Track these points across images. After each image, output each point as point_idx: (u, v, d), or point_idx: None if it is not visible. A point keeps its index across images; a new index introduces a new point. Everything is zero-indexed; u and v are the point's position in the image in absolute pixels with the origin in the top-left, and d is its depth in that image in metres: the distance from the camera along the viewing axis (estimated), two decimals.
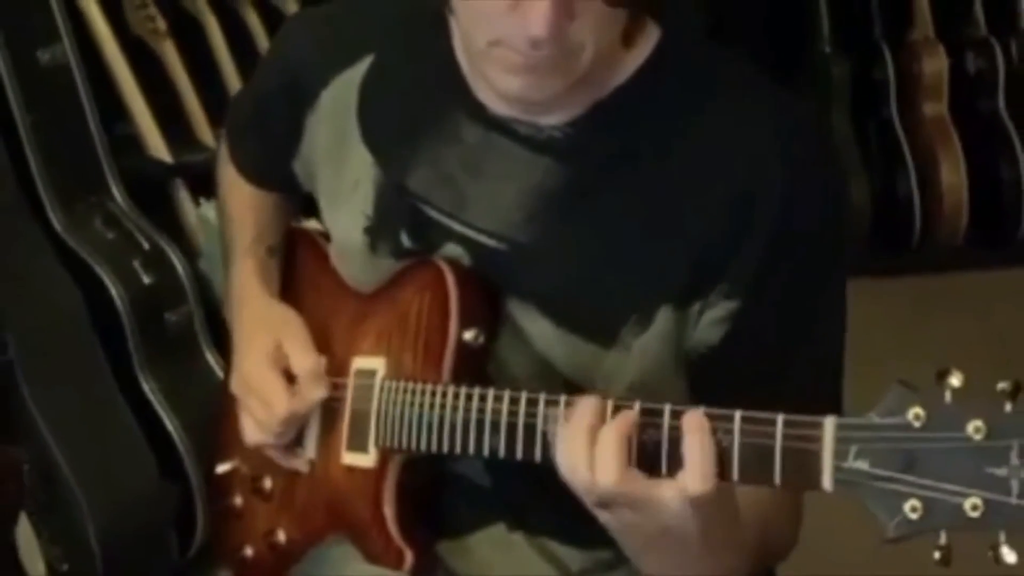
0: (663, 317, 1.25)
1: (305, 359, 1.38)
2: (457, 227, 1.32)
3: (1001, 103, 4.12)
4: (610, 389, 1.25)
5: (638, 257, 1.25)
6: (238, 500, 1.53)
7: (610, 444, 1.08)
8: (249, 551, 1.51)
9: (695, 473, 1.06)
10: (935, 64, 4.10)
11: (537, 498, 1.34)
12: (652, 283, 1.24)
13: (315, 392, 1.37)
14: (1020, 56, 4.11)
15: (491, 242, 1.30)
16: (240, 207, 1.59)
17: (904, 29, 4.14)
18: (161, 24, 3.00)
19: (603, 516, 1.13)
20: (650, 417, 1.10)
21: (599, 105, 1.26)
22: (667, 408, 1.09)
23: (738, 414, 1.06)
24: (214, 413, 1.60)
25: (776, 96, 1.29)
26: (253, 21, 3.19)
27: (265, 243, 1.55)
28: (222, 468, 1.54)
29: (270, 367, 1.39)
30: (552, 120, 1.27)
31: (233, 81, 3.11)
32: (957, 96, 4.13)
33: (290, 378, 1.39)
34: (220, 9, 3.15)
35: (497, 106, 1.29)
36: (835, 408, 1.23)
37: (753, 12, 4.17)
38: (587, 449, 1.09)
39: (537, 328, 1.28)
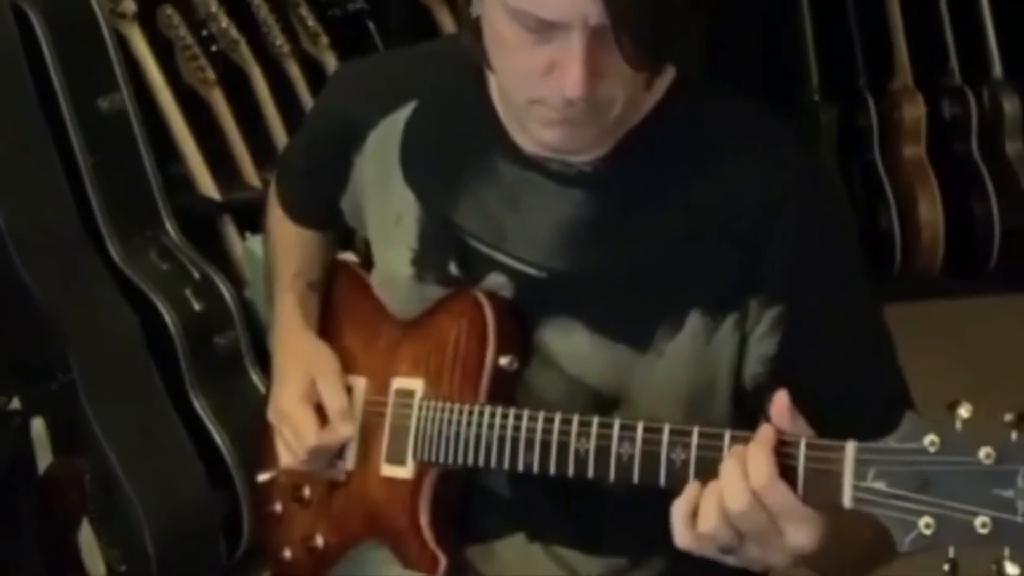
0: (693, 320, 1.24)
1: (336, 400, 1.40)
2: (500, 257, 1.32)
3: (974, 146, 4.10)
4: (642, 395, 1.26)
5: (666, 270, 1.25)
6: (279, 507, 1.53)
7: (761, 454, 1.04)
8: (288, 553, 1.51)
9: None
10: (914, 111, 4.09)
11: (554, 509, 1.33)
12: (680, 290, 1.25)
13: (343, 431, 1.39)
14: (991, 103, 4.10)
15: (531, 271, 1.30)
16: (284, 245, 1.59)
17: (886, 79, 4.13)
18: (210, 74, 3.01)
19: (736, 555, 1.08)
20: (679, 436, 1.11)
21: (623, 141, 1.27)
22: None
23: None
24: (257, 427, 1.59)
25: (781, 129, 1.30)
26: (294, 72, 3.19)
27: (306, 278, 1.55)
28: (262, 477, 1.54)
29: (303, 401, 1.41)
30: (582, 157, 1.28)
31: (276, 126, 3.12)
32: (934, 140, 4.12)
33: (320, 411, 1.40)
34: (264, 61, 3.15)
35: (531, 146, 1.29)
36: (906, 392, 1.22)
37: (747, 64, 4.18)
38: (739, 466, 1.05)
39: (572, 346, 1.28)
